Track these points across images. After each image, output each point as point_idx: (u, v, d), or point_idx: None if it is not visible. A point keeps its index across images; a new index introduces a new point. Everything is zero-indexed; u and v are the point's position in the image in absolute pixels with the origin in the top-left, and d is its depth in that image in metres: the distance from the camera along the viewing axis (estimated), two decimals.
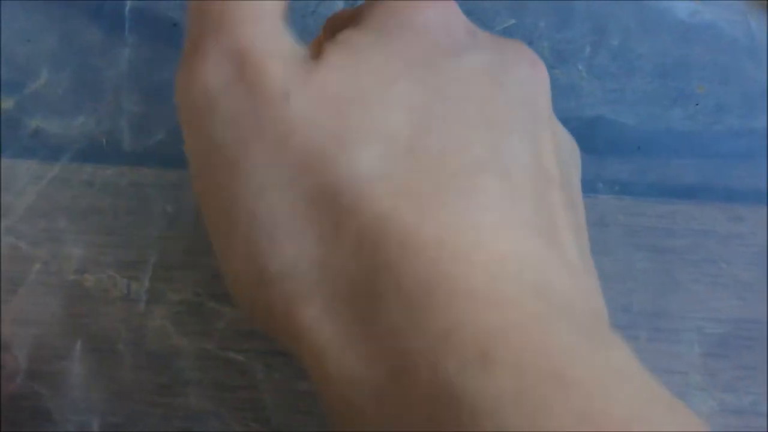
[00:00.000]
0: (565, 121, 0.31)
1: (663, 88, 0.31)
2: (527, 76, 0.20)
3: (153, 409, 0.29)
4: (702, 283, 0.29)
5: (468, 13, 0.32)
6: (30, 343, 0.30)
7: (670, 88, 0.31)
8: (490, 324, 0.14)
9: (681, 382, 0.28)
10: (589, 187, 0.30)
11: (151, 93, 0.33)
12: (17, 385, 0.29)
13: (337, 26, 0.21)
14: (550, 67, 0.31)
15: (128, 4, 0.34)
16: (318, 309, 0.16)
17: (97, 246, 0.31)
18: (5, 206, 0.32)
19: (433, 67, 0.18)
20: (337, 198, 0.16)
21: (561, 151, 0.20)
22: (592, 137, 0.31)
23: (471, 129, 0.17)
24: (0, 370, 0.30)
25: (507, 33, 0.32)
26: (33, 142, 0.32)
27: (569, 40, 0.32)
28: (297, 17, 0.33)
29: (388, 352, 0.15)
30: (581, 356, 0.14)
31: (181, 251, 0.31)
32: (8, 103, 0.33)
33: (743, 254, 0.29)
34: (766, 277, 0.28)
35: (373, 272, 0.15)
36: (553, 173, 0.19)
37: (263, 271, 0.16)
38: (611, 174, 0.30)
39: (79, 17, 0.34)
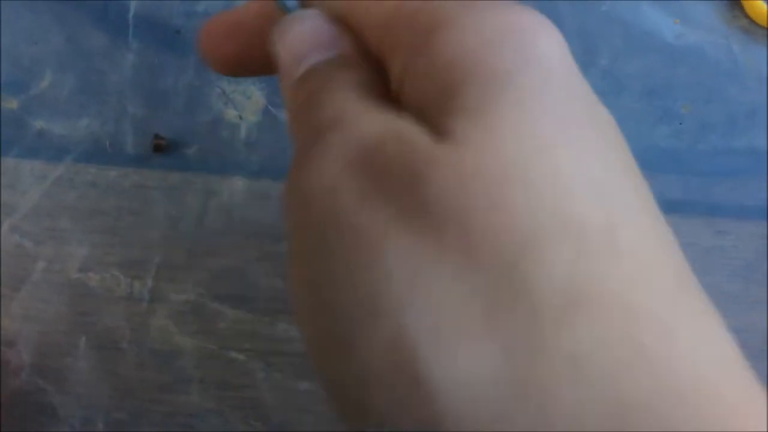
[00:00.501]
0: None
1: (649, 107, 0.33)
2: None
3: (156, 407, 0.30)
4: None
5: None
6: (35, 339, 0.31)
7: (656, 107, 0.33)
8: None
9: None
10: None
11: (154, 97, 0.33)
12: (22, 380, 0.30)
13: None
14: None
15: (132, 10, 0.34)
16: None
17: (101, 246, 0.32)
18: (10, 205, 0.32)
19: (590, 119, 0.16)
20: (532, 304, 0.13)
21: None
22: None
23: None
24: (3, 365, 0.30)
25: None
26: (37, 142, 0.33)
27: None
28: None
29: None
30: None
31: (184, 252, 0.32)
32: (13, 104, 0.33)
33: (725, 267, 0.31)
34: (749, 290, 0.30)
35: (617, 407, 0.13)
36: None
37: (417, 377, 0.13)
38: None
39: (83, 21, 0.34)
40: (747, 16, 0.33)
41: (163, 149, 0.32)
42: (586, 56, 0.33)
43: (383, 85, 0.18)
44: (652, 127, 0.32)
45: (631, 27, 0.33)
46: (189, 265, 0.31)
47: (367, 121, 0.16)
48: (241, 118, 0.33)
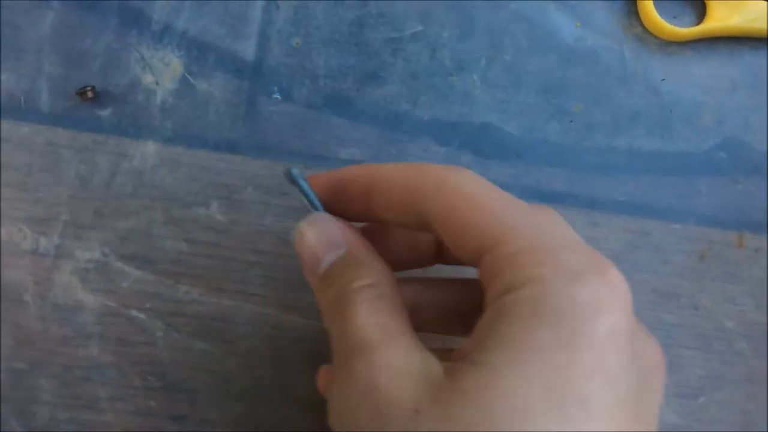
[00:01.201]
0: (458, 125, 0.34)
1: (544, 103, 0.35)
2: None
3: (55, 359, 0.31)
4: None
5: (380, 16, 0.35)
6: None
7: (550, 104, 0.35)
8: None
9: None
10: None
11: (71, 57, 0.34)
12: None
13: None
14: (449, 74, 0.35)
15: None
16: None
17: (9, 200, 0.32)
18: None
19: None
20: None
21: None
22: (480, 141, 0.34)
23: None
24: None
25: (414, 38, 0.35)
26: None
27: (468, 51, 0.35)
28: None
29: None
30: None
31: (91, 211, 0.33)
32: None
33: None
34: None
35: None
36: None
37: None
38: (493, 176, 0.34)
39: None
40: (642, 25, 0.36)
41: (86, 99, 0.33)
42: (492, 51, 0.35)
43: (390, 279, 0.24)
44: (544, 122, 0.35)
45: (536, 26, 0.35)
46: (96, 224, 0.32)
47: (389, 355, 0.21)
48: (158, 83, 0.34)
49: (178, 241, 0.32)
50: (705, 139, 0.35)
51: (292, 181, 0.26)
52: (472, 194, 0.22)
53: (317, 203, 0.26)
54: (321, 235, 0.25)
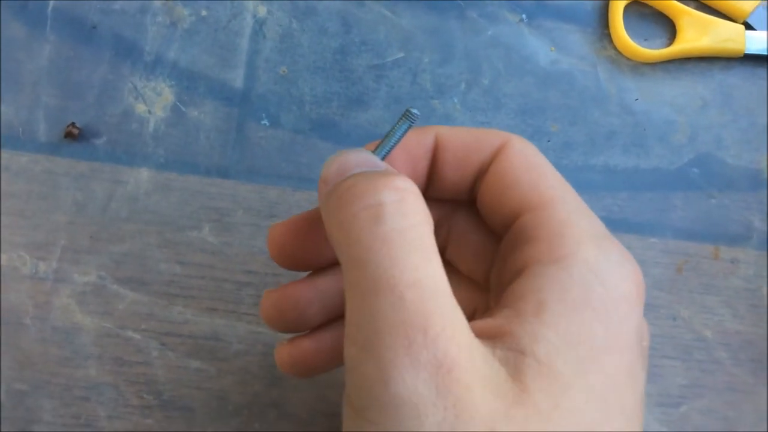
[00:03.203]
0: None
1: (522, 124, 0.36)
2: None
3: (55, 379, 0.32)
4: None
5: (363, 44, 0.36)
6: None
7: (528, 125, 0.36)
8: None
9: None
10: None
11: (67, 88, 0.35)
12: None
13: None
14: (430, 98, 0.36)
15: (51, 4, 0.36)
16: None
17: (9, 227, 0.34)
18: None
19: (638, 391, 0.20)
20: None
21: None
22: None
23: None
24: None
25: (396, 65, 0.36)
26: None
27: (448, 76, 0.36)
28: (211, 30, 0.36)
29: None
30: None
31: (88, 237, 0.34)
32: None
33: None
34: None
35: None
36: None
37: None
38: None
39: (3, 12, 0.36)
40: (614, 48, 0.37)
41: (74, 137, 0.34)
42: (471, 75, 0.36)
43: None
44: None
45: (512, 51, 0.37)
46: (92, 248, 0.34)
47: (455, 342, 0.18)
48: (150, 112, 0.35)
49: (172, 263, 0.34)
50: (679, 155, 0.37)
51: (408, 117, 0.22)
52: (530, 156, 0.23)
53: (388, 150, 0.23)
54: (358, 155, 0.21)
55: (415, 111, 0.22)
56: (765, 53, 0.37)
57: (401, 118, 0.22)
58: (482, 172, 0.23)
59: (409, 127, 0.22)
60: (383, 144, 0.22)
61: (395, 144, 0.22)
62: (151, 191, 0.34)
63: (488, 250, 0.25)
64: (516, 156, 0.23)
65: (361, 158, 0.21)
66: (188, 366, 0.33)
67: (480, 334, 0.19)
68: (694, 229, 0.36)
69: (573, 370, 0.18)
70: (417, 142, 0.23)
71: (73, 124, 0.34)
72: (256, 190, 0.35)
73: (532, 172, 0.22)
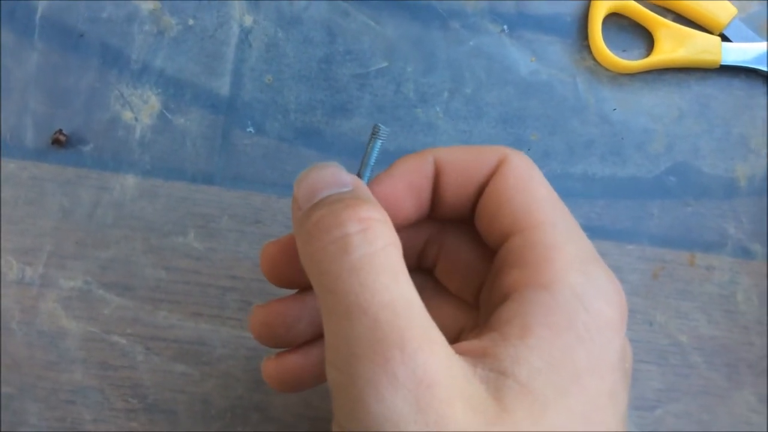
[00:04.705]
0: None
1: (503, 133, 0.37)
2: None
3: (41, 383, 0.33)
4: None
5: (347, 53, 0.37)
6: None
7: (509, 133, 0.37)
8: None
9: None
10: None
11: (55, 96, 0.36)
12: None
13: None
14: (413, 107, 0.37)
15: (39, 12, 0.37)
16: None
17: None
18: None
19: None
20: None
21: None
22: None
23: None
24: None
25: (380, 74, 0.37)
26: None
27: (431, 85, 0.37)
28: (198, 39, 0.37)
29: None
30: None
31: (74, 242, 0.34)
32: None
33: None
34: None
35: None
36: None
37: None
38: None
39: None
40: (593, 59, 0.38)
41: (61, 144, 0.35)
42: (453, 84, 0.37)
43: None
44: None
45: (494, 61, 0.38)
46: (78, 254, 0.34)
47: (432, 358, 0.18)
48: (137, 119, 0.36)
49: (158, 268, 0.34)
50: (656, 164, 0.37)
51: (377, 135, 0.23)
52: (525, 174, 0.23)
53: (368, 169, 0.24)
54: (326, 174, 0.22)
55: (383, 127, 0.23)
56: (740, 65, 0.38)
57: (372, 136, 0.23)
58: (482, 190, 0.24)
59: (382, 143, 0.23)
60: (362, 165, 0.23)
61: (373, 162, 0.23)
62: (137, 197, 0.35)
63: (479, 269, 0.25)
64: (511, 174, 0.23)
65: (329, 178, 0.21)
66: (173, 370, 0.33)
67: (463, 354, 0.20)
68: (671, 236, 0.37)
69: (554, 392, 0.19)
70: (417, 170, 0.24)
71: (60, 131, 0.35)
72: (242, 196, 0.35)
73: (526, 191, 0.23)
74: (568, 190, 0.37)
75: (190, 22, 0.37)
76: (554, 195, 0.23)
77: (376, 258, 0.19)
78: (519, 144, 0.37)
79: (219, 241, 0.35)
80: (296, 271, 0.24)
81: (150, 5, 0.37)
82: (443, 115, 0.37)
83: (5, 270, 0.34)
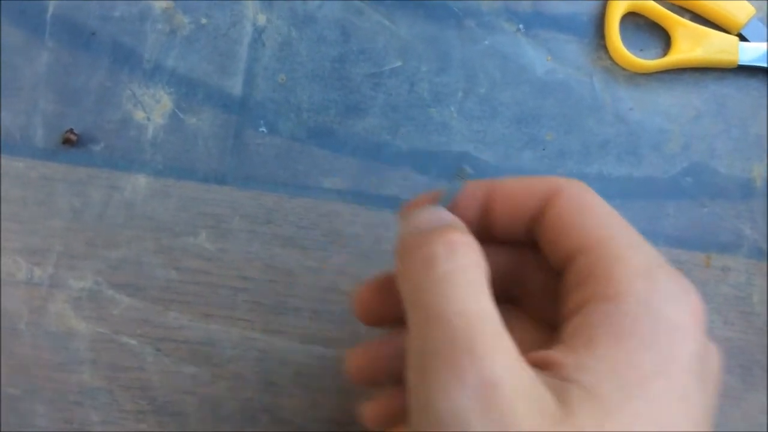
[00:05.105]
0: (437, 154, 0.36)
1: (518, 133, 0.37)
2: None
3: (49, 384, 0.32)
4: None
5: (361, 52, 0.36)
6: None
7: (523, 133, 0.37)
8: None
9: None
10: None
11: (65, 95, 0.35)
12: None
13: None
14: (427, 107, 0.36)
15: (50, 10, 0.36)
16: None
17: (5, 232, 0.34)
18: None
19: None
20: None
21: None
22: None
23: None
24: None
25: (393, 73, 0.37)
26: None
27: (445, 84, 0.37)
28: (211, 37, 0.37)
29: None
30: None
31: (84, 242, 0.34)
32: None
33: None
34: None
35: None
36: None
37: None
38: None
39: (1, 18, 0.36)
40: (610, 58, 0.38)
41: (72, 143, 0.35)
42: (468, 83, 0.37)
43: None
44: (519, 151, 0.36)
45: (509, 60, 0.37)
46: (89, 254, 0.34)
47: (499, 362, 0.19)
48: (148, 119, 0.36)
49: (168, 269, 0.34)
50: (672, 164, 0.37)
51: (461, 175, 0.25)
52: (581, 200, 0.24)
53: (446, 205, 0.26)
54: (429, 213, 0.24)
55: (468, 169, 0.25)
56: (758, 64, 0.37)
57: (456, 177, 0.25)
58: (536, 219, 0.25)
59: (464, 182, 0.25)
60: (442, 200, 0.25)
61: (452, 199, 0.25)
62: (149, 197, 0.34)
63: (554, 291, 0.26)
64: (567, 202, 0.24)
65: (434, 217, 0.24)
66: (183, 371, 0.33)
67: (530, 364, 0.20)
68: (686, 237, 0.36)
69: (619, 396, 0.19)
70: (470, 197, 0.25)
71: (71, 130, 0.35)
72: (253, 196, 0.35)
73: (584, 215, 0.23)
74: None
75: (203, 20, 0.37)
76: (610, 211, 0.24)
77: (457, 274, 0.21)
78: (534, 143, 0.36)
79: (230, 242, 0.34)
80: (388, 309, 0.25)
81: (163, 4, 0.37)
82: (457, 114, 0.37)
83: (14, 270, 0.33)
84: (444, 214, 0.24)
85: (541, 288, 0.26)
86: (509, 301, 0.27)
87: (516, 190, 0.25)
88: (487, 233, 0.26)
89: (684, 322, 0.21)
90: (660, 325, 0.21)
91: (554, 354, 0.21)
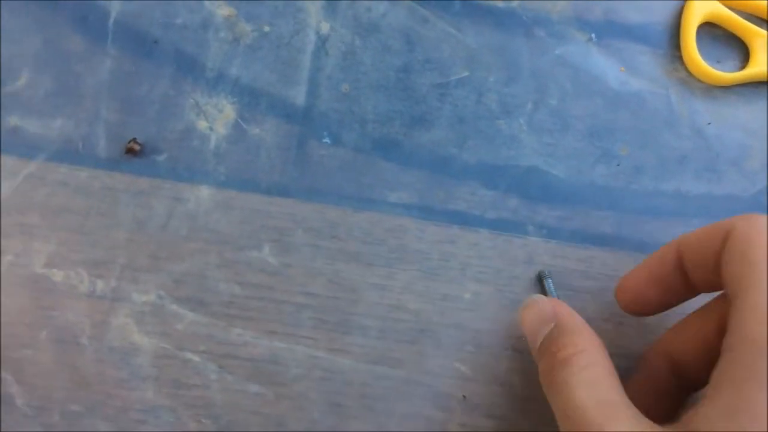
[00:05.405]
0: (504, 168, 0.35)
1: (590, 147, 0.35)
2: None
3: (110, 401, 0.32)
4: (611, 322, 0.33)
5: (427, 62, 0.35)
6: None
7: (596, 147, 0.35)
8: None
9: None
10: (521, 229, 0.34)
11: (128, 103, 0.35)
12: None
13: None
14: (496, 118, 0.35)
15: (112, 18, 0.36)
16: None
17: (67, 243, 0.33)
18: None
19: None
20: None
21: None
22: (527, 184, 0.35)
23: None
24: None
25: (460, 83, 0.36)
26: (11, 138, 0.34)
27: (514, 95, 0.35)
28: (273, 47, 0.36)
29: None
30: None
31: (147, 255, 0.33)
32: None
33: None
34: (661, 317, 0.32)
35: None
36: None
37: None
38: (541, 219, 0.34)
39: (63, 24, 0.36)
40: (686, 70, 0.36)
41: (135, 153, 0.34)
42: (537, 95, 0.36)
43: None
44: (591, 165, 0.35)
45: (581, 71, 0.36)
46: (152, 267, 0.33)
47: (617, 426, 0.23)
48: (211, 129, 0.35)
49: (231, 283, 0.33)
50: (752, 182, 0.35)
51: (545, 276, 0.33)
52: (743, 241, 0.24)
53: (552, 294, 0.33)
54: (535, 314, 0.29)
55: (546, 271, 0.33)
56: None
57: (542, 280, 0.33)
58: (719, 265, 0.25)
59: (552, 280, 0.33)
60: (547, 294, 0.33)
61: (555, 292, 0.33)
62: (212, 209, 0.34)
63: None
64: (730, 243, 0.24)
65: (536, 315, 0.29)
66: (246, 390, 0.32)
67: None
68: None
69: None
70: (658, 260, 0.28)
71: (134, 139, 0.34)
72: (317, 209, 0.34)
73: (741, 259, 0.23)
74: (660, 208, 0.35)
75: (266, 28, 0.36)
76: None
77: (574, 376, 0.25)
78: (608, 158, 0.35)
79: (294, 256, 0.33)
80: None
81: (225, 11, 0.36)
82: (527, 127, 0.35)
83: (76, 283, 0.33)
84: (545, 311, 0.29)
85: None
86: None
87: (700, 239, 0.26)
88: (690, 289, 0.28)
89: None
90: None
91: (685, 412, 0.23)
